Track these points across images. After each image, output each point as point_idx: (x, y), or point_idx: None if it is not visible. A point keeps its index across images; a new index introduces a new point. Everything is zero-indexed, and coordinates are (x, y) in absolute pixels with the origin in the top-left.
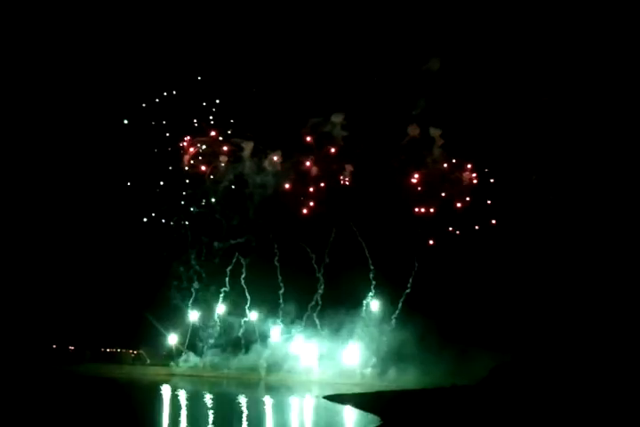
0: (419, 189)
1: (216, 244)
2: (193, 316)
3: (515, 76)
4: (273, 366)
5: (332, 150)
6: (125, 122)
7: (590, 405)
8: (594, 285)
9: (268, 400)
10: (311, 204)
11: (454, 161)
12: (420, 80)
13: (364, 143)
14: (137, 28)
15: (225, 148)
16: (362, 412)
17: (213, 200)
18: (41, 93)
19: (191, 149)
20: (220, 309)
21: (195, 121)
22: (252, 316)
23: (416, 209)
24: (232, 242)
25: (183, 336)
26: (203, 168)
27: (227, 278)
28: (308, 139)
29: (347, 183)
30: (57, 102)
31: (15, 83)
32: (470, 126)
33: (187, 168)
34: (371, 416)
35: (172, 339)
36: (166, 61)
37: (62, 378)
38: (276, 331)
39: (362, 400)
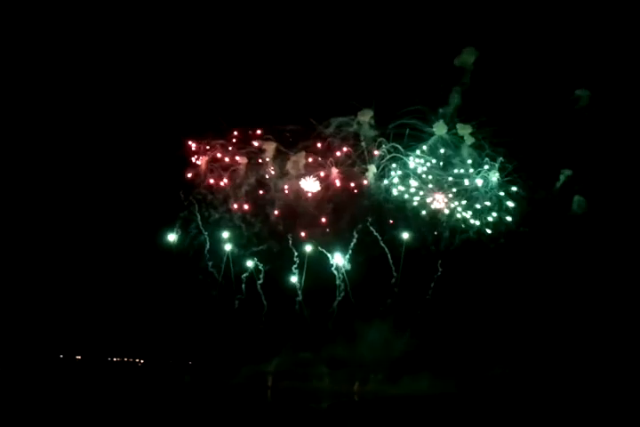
0: (443, 190)
1: (236, 251)
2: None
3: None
4: (284, 373)
5: (355, 151)
6: (133, 128)
7: (594, 410)
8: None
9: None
10: (332, 207)
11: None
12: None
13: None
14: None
15: (245, 151)
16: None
17: (233, 206)
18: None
19: (209, 153)
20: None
21: (213, 123)
22: (267, 323)
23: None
24: (254, 249)
25: (195, 343)
26: (221, 172)
27: (243, 285)
28: (330, 140)
29: (369, 185)
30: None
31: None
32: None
33: (204, 173)
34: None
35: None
36: (184, 61)
37: None
38: (290, 337)
39: (367, 408)
